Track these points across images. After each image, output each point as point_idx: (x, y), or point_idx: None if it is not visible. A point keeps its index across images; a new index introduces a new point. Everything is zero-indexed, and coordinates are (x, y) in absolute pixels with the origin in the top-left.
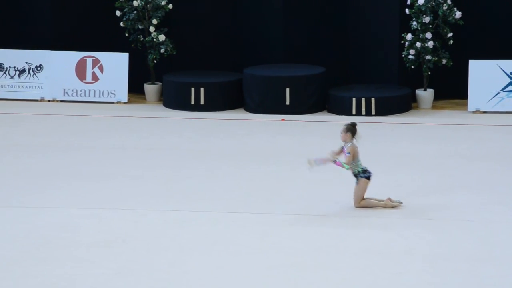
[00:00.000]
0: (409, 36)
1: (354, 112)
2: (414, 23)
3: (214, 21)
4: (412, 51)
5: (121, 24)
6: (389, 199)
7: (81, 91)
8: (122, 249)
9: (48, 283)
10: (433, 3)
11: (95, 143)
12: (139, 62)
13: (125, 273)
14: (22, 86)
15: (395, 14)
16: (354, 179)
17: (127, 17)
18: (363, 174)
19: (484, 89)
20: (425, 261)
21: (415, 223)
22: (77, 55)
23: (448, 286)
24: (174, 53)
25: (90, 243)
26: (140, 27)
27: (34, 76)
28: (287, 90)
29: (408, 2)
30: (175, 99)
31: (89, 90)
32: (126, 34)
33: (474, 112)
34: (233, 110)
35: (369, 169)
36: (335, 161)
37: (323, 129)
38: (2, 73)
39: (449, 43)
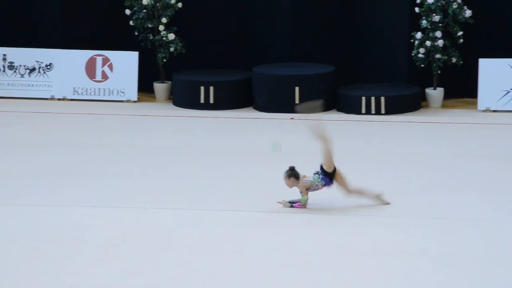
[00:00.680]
0: (418, 35)
1: (363, 111)
2: (424, 21)
3: (223, 19)
4: (422, 50)
5: (131, 22)
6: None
7: (91, 89)
8: (131, 247)
9: (57, 281)
10: (443, 2)
11: (104, 142)
12: (149, 60)
13: (134, 271)
14: (32, 85)
15: (405, 13)
16: (330, 186)
17: (136, 15)
18: (324, 180)
19: (494, 88)
20: (436, 261)
21: (425, 223)
22: (87, 54)
23: (459, 286)
24: (184, 52)
25: (99, 241)
26: (149, 25)
27: (44, 74)
28: (296, 89)
29: (418, 1)
30: (184, 98)
31: (99, 89)
32: (136, 33)
33: (484, 111)
34: (243, 108)
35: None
36: (292, 206)
37: (332, 128)
38: (12, 71)
39: (459, 41)
